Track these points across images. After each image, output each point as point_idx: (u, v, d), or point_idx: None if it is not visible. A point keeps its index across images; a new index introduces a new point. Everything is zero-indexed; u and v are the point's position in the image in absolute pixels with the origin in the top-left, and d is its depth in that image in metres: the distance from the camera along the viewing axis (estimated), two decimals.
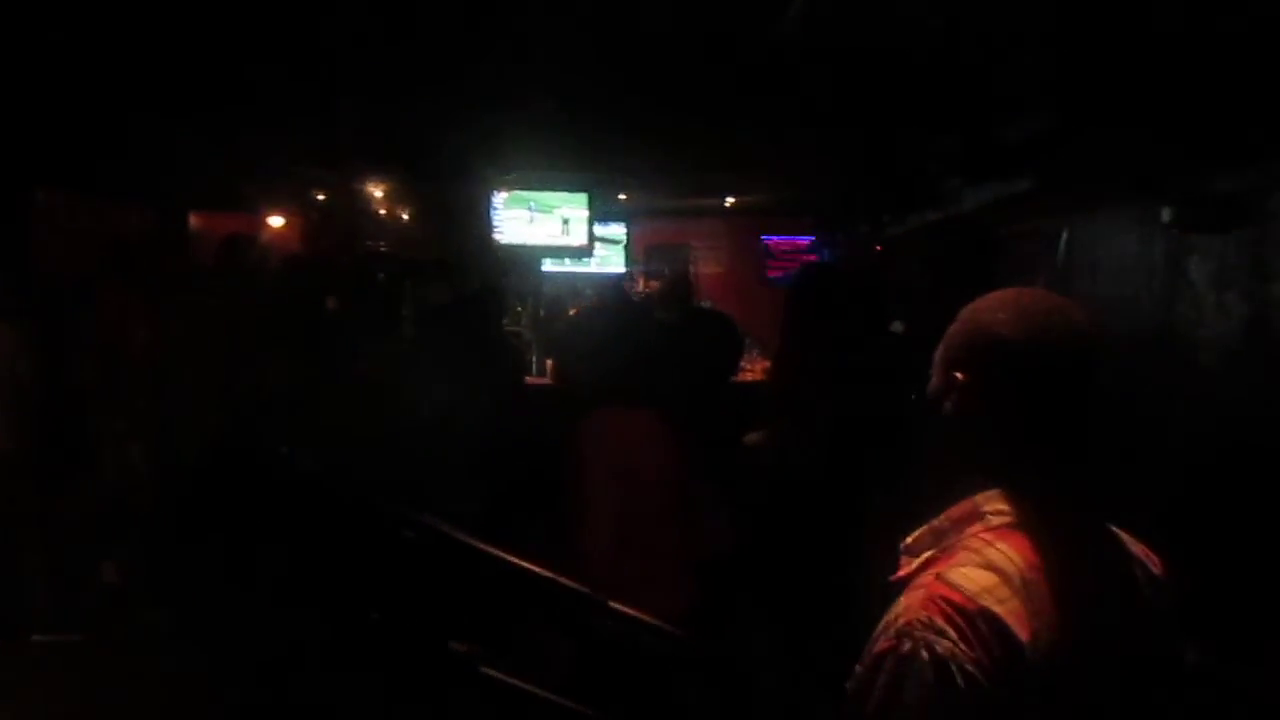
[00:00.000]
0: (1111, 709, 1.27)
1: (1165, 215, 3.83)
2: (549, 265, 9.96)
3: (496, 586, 1.01)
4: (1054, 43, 3.50)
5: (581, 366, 3.29)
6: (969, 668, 1.14)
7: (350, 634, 1.01)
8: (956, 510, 1.34)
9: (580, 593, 1.04)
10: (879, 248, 8.32)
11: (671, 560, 2.78)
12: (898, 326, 4.08)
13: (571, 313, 6.07)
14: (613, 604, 1.08)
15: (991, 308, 1.37)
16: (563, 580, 1.05)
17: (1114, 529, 1.39)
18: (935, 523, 1.36)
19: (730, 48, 4.52)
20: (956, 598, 1.19)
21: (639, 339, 2.97)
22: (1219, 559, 2.67)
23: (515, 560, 1.03)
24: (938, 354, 1.42)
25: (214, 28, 4.25)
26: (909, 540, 1.37)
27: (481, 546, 1.01)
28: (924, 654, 1.15)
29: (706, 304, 7.98)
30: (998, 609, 1.18)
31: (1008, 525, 1.28)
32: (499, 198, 8.61)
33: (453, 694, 1.00)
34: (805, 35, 4.02)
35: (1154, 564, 1.41)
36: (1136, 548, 1.42)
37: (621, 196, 9.38)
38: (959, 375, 1.36)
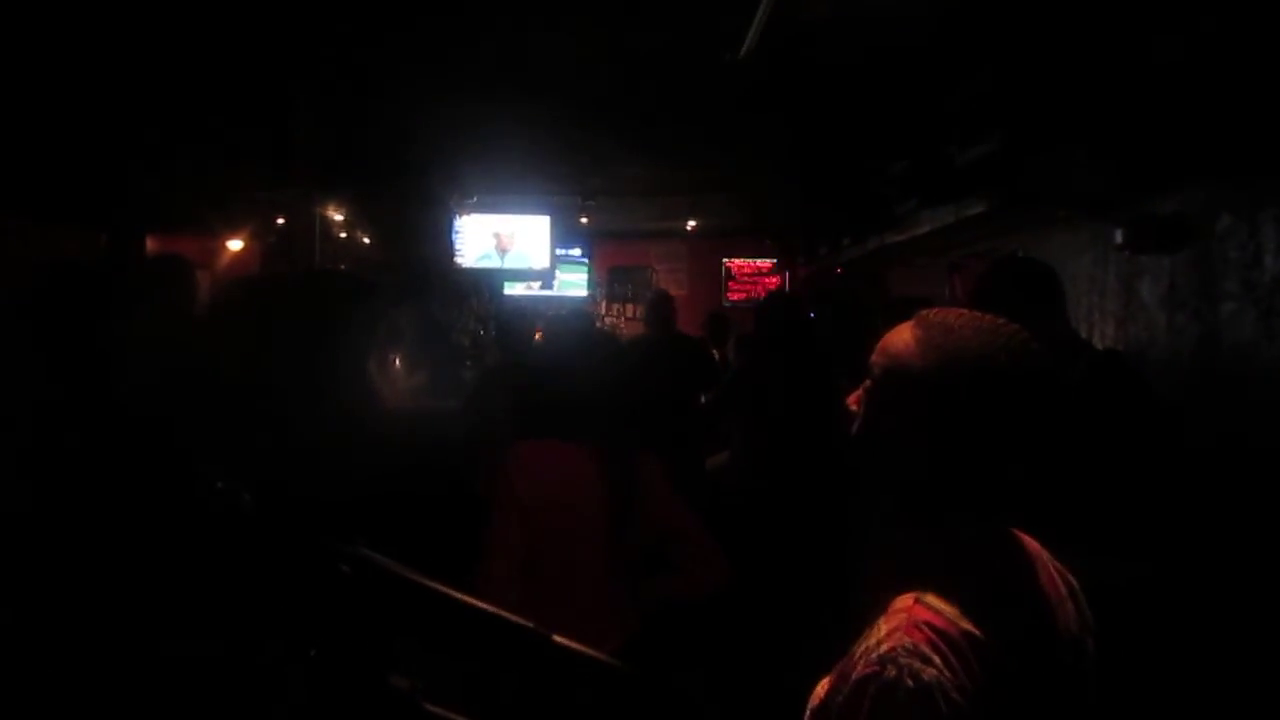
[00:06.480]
0: (1077, 704, 1.29)
1: (1118, 237, 3.91)
2: (511, 288, 9.95)
3: (436, 621, 1.00)
4: (1002, 69, 3.56)
5: (520, 394, 3.20)
6: (954, 695, 1.13)
7: (289, 671, 0.99)
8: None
9: (523, 627, 1.03)
10: (839, 270, 8.39)
11: (594, 608, 2.55)
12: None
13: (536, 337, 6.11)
14: (557, 639, 1.07)
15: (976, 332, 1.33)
16: (504, 614, 1.03)
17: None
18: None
19: (691, 74, 4.56)
20: (939, 621, 1.18)
21: (591, 368, 2.84)
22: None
23: (454, 594, 1.02)
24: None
25: (171, 49, 4.22)
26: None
27: (419, 580, 1.00)
28: (909, 681, 1.13)
29: None
30: (978, 629, 1.18)
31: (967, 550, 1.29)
32: (460, 220, 8.60)
33: None
34: (765, 62, 4.06)
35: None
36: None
37: (584, 220, 9.40)
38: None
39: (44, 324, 2.05)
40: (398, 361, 6.26)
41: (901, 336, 1.37)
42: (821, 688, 1.32)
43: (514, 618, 1.03)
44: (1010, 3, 3.36)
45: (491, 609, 1.02)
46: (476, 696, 1.06)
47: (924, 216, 5.30)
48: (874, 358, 1.39)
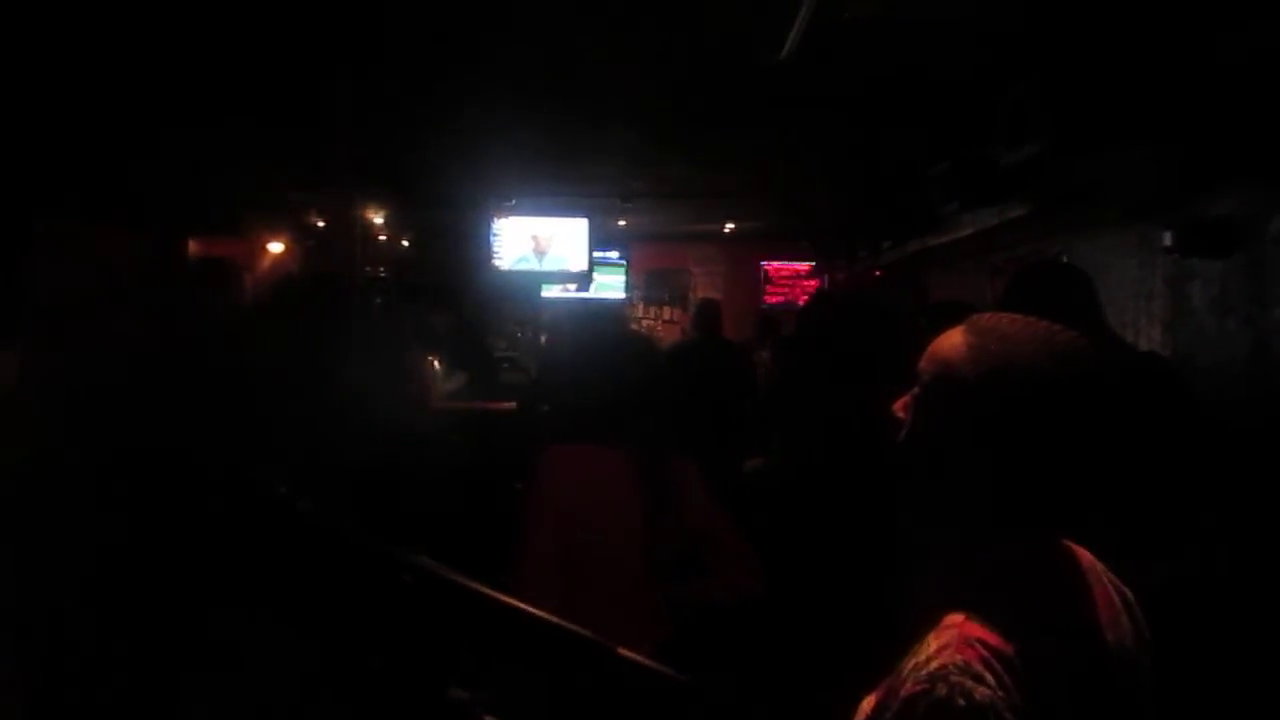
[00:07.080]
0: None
1: (1167, 239, 3.83)
2: (549, 291, 9.96)
3: (497, 632, 0.99)
4: (1053, 69, 3.51)
5: (560, 395, 3.17)
6: (1006, 714, 1.08)
7: (350, 682, 0.99)
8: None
9: (585, 638, 1.01)
10: (878, 272, 8.33)
11: (626, 611, 2.47)
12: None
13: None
14: (621, 651, 1.05)
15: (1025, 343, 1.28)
16: (567, 625, 1.02)
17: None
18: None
19: (732, 75, 4.54)
20: (991, 638, 1.13)
21: (628, 373, 2.80)
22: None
23: (516, 604, 1.00)
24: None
25: (214, 54, 4.26)
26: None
27: (481, 589, 0.99)
28: (960, 700, 1.09)
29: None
30: (1030, 646, 1.13)
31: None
32: (498, 223, 8.62)
33: None
34: (805, 64, 4.03)
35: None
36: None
37: (621, 223, 9.40)
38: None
39: (119, 326, 2.07)
40: (436, 364, 6.29)
41: (952, 342, 1.32)
42: (868, 704, 1.28)
43: (577, 629, 1.01)
44: (1063, 2, 3.31)
45: (554, 620, 1.01)
46: (535, 708, 1.05)
47: (966, 219, 5.25)
48: (923, 364, 1.34)
